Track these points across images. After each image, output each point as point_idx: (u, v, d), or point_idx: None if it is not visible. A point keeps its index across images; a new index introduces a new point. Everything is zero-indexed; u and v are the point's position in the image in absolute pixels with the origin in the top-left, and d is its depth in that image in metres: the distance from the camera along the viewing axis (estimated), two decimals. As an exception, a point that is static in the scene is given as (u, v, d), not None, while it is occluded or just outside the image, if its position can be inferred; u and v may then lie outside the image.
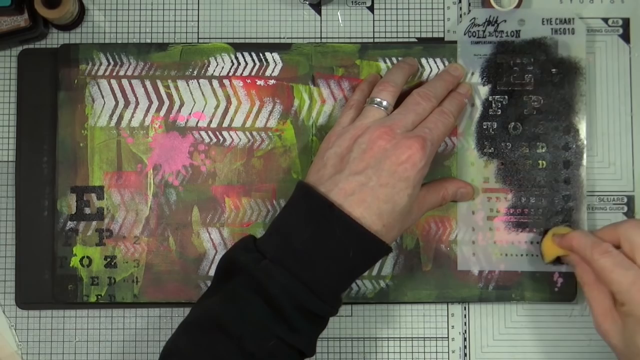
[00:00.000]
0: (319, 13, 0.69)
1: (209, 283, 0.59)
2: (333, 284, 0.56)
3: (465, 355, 0.67)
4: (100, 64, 0.66)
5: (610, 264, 0.56)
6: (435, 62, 0.67)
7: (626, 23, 0.68)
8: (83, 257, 0.66)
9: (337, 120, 0.62)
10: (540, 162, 0.66)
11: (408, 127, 0.58)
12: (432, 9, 0.68)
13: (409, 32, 0.68)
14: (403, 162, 0.56)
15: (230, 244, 0.63)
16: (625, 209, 0.67)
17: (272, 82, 0.67)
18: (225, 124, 0.66)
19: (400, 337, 0.67)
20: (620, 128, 0.68)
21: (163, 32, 0.68)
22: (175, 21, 0.68)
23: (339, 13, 0.69)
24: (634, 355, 0.55)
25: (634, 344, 0.54)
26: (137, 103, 0.66)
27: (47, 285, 0.66)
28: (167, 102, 0.66)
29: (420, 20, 0.68)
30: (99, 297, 0.66)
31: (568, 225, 0.65)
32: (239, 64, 0.67)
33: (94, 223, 0.66)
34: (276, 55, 0.67)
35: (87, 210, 0.66)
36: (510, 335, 0.67)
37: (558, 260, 0.63)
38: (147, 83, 0.66)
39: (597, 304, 0.57)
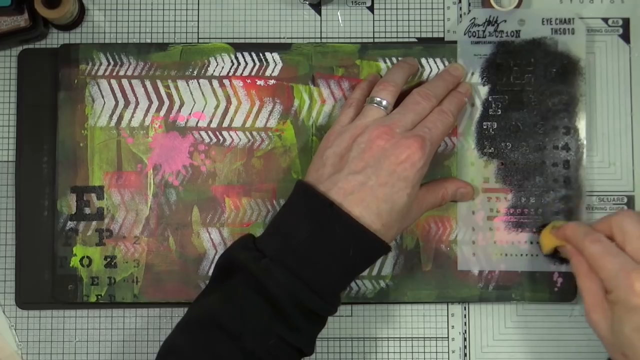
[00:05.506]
0: (319, 13, 0.69)
1: (208, 283, 0.59)
2: (333, 283, 0.56)
3: (465, 355, 0.67)
4: (100, 64, 0.66)
5: (600, 251, 0.56)
6: (435, 62, 0.67)
7: (626, 23, 0.68)
8: (83, 257, 0.66)
9: (336, 119, 0.62)
10: (540, 162, 0.66)
11: (407, 127, 0.58)
12: (432, 9, 0.68)
13: (409, 32, 0.68)
14: (402, 162, 0.56)
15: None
16: (625, 209, 0.67)
17: (272, 82, 0.67)
18: (225, 124, 0.66)
19: (400, 337, 0.67)
20: (620, 128, 0.68)
21: (163, 32, 0.68)
22: (175, 21, 0.69)
23: (339, 13, 0.69)
24: (621, 345, 0.55)
25: (621, 333, 0.54)
26: (137, 103, 0.66)
27: (47, 285, 0.66)
28: (167, 102, 0.66)
29: (420, 20, 0.68)
30: (99, 297, 0.66)
31: (567, 220, 0.65)
32: (239, 64, 0.67)
33: (94, 223, 0.66)
34: (276, 55, 0.67)
35: (87, 210, 0.66)
36: (510, 335, 0.67)
37: (556, 252, 0.64)
38: (147, 83, 0.67)
39: (589, 294, 0.57)
